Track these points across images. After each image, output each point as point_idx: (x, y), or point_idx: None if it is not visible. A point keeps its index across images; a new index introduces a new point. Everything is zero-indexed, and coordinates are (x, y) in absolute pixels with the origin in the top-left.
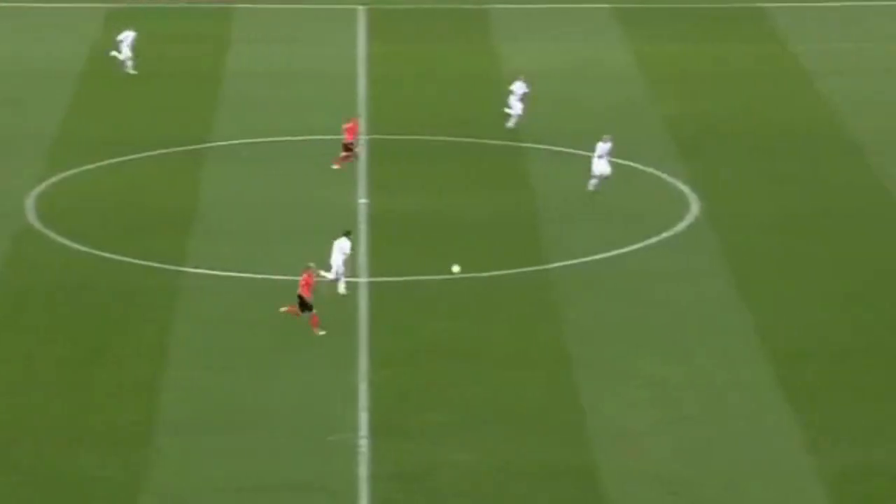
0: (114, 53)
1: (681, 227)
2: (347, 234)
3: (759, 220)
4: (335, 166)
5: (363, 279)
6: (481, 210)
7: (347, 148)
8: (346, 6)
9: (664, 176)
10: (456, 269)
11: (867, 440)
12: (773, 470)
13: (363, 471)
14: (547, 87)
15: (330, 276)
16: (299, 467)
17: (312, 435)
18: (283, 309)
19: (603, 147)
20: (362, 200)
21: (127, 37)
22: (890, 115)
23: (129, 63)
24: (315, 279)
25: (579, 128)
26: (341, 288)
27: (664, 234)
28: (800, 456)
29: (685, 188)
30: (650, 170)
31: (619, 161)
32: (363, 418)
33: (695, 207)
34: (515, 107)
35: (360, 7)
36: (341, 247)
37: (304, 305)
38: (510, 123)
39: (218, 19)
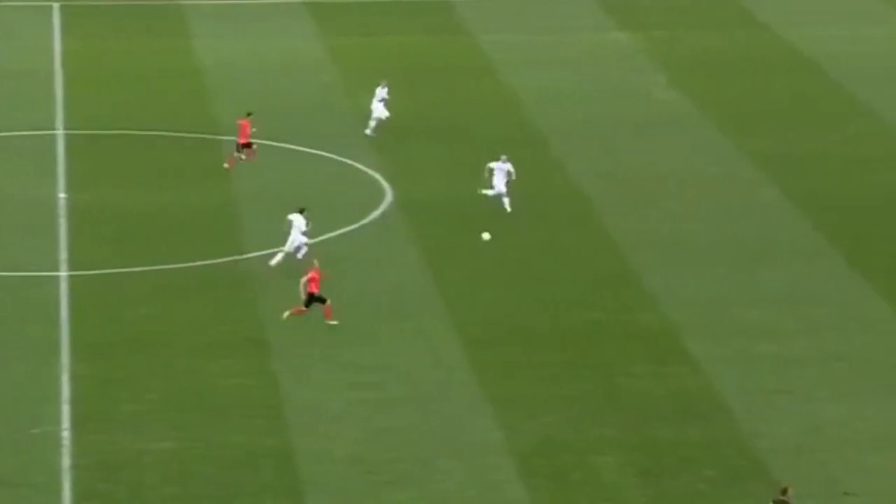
0: None
1: (375, 215)
2: (301, 210)
3: (449, 208)
4: (226, 165)
5: (63, 273)
6: (180, 202)
7: (242, 146)
8: (40, 2)
9: (359, 166)
10: (486, 236)
11: (552, 416)
12: (466, 447)
13: (66, 462)
14: (242, 82)
15: (286, 250)
16: (1, 461)
17: (14, 428)
18: (286, 314)
19: (501, 166)
20: (61, 195)
21: None
22: (571, 105)
23: None
24: (318, 275)
25: (274, 121)
26: (275, 260)
27: (360, 223)
28: (491, 433)
29: (379, 177)
30: (345, 160)
31: (315, 152)
32: (65, 410)
33: (388, 196)
34: (378, 110)
35: (55, 3)
36: (297, 223)
37: (317, 299)
38: (368, 130)
39: None
